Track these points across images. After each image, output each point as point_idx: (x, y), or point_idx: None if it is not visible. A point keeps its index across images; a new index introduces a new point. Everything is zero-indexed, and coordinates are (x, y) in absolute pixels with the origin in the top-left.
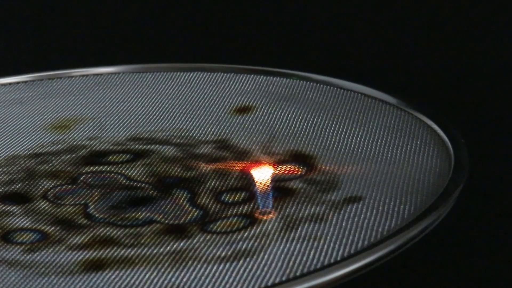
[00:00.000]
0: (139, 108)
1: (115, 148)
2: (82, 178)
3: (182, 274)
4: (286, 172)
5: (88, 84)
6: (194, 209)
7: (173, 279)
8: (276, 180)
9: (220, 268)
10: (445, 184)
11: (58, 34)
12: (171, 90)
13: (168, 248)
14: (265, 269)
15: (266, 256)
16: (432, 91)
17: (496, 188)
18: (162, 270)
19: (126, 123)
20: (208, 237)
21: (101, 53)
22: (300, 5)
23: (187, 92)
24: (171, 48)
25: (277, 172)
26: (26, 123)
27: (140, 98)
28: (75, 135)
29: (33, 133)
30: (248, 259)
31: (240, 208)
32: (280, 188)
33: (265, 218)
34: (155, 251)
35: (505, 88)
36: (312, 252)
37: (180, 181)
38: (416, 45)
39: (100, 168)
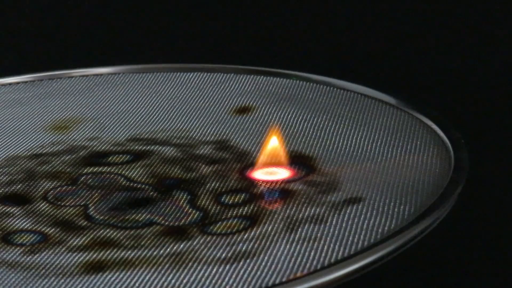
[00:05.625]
0: (139, 109)
1: (115, 149)
2: (82, 179)
3: (182, 276)
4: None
5: (88, 85)
6: (194, 211)
7: (173, 281)
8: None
9: (220, 269)
10: (445, 184)
11: (58, 34)
12: (171, 91)
13: (168, 249)
14: (265, 270)
15: (266, 258)
16: (432, 91)
17: (496, 188)
18: (162, 271)
19: (126, 123)
20: (208, 238)
21: (101, 53)
22: (300, 5)
23: (187, 93)
24: (171, 48)
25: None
26: (26, 124)
27: (140, 99)
28: (75, 135)
29: (33, 134)
30: (248, 261)
31: (240, 209)
32: (280, 190)
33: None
34: (155, 253)
35: (505, 88)
36: (312, 253)
37: (180, 182)
38: (416, 45)
39: (100, 169)
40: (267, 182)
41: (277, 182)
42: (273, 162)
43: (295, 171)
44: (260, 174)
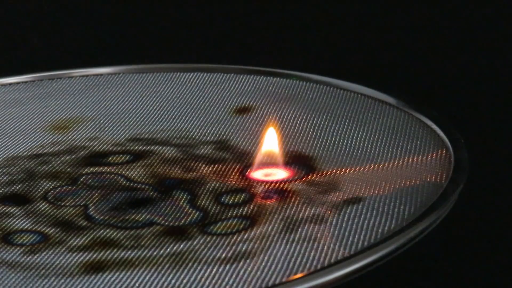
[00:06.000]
0: (139, 109)
1: (115, 149)
2: (82, 179)
3: (182, 276)
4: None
5: (88, 85)
6: (194, 211)
7: (173, 281)
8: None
9: (220, 269)
10: (445, 184)
11: (58, 34)
12: (171, 91)
13: (168, 250)
14: (265, 270)
15: (266, 258)
16: (432, 91)
17: (496, 188)
18: (162, 271)
19: (126, 123)
20: (208, 238)
21: (101, 53)
22: (300, 5)
23: (187, 93)
24: (171, 48)
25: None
26: (26, 124)
27: (140, 99)
28: (75, 135)
29: (33, 134)
30: (248, 261)
31: (240, 209)
32: (280, 190)
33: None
34: (155, 253)
35: (505, 88)
36: (312, 253)
37: (180, 182)
38: (416, 45)
39: (100, 169)
40: (267, 182)
41: (277, 182)
42: (271, 163)
43: (295, 171)
44: (260, 174)
